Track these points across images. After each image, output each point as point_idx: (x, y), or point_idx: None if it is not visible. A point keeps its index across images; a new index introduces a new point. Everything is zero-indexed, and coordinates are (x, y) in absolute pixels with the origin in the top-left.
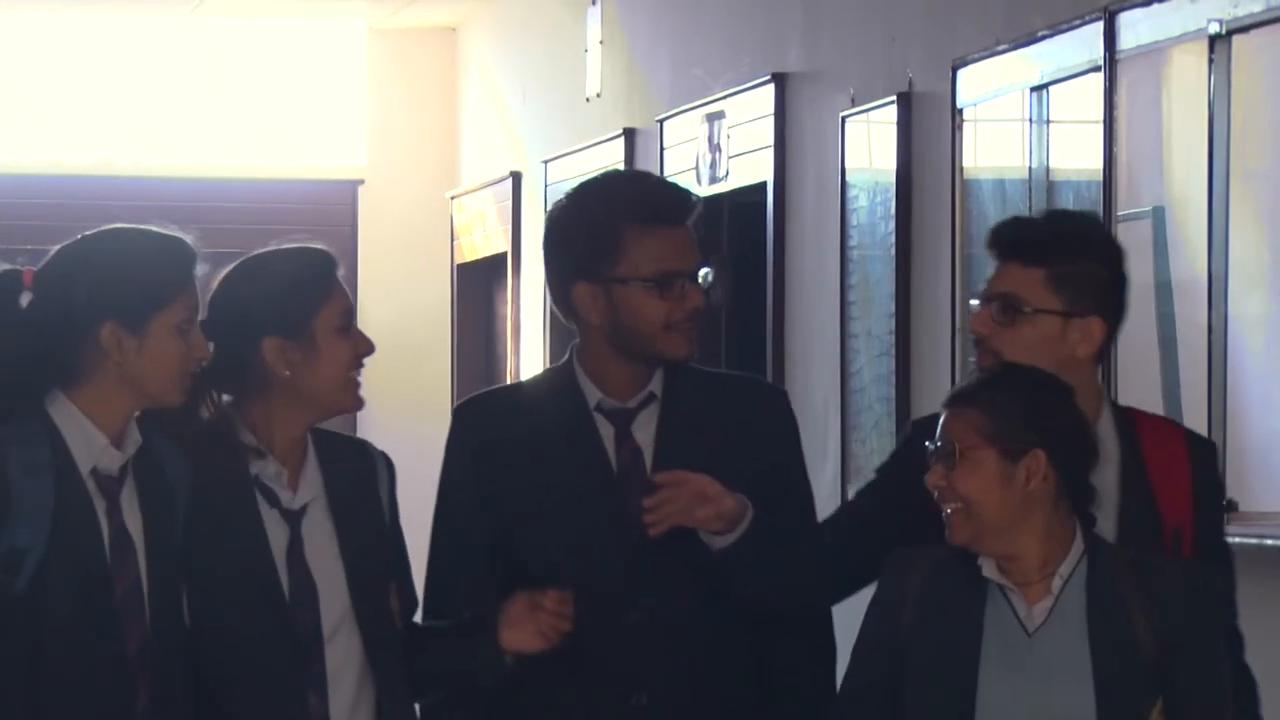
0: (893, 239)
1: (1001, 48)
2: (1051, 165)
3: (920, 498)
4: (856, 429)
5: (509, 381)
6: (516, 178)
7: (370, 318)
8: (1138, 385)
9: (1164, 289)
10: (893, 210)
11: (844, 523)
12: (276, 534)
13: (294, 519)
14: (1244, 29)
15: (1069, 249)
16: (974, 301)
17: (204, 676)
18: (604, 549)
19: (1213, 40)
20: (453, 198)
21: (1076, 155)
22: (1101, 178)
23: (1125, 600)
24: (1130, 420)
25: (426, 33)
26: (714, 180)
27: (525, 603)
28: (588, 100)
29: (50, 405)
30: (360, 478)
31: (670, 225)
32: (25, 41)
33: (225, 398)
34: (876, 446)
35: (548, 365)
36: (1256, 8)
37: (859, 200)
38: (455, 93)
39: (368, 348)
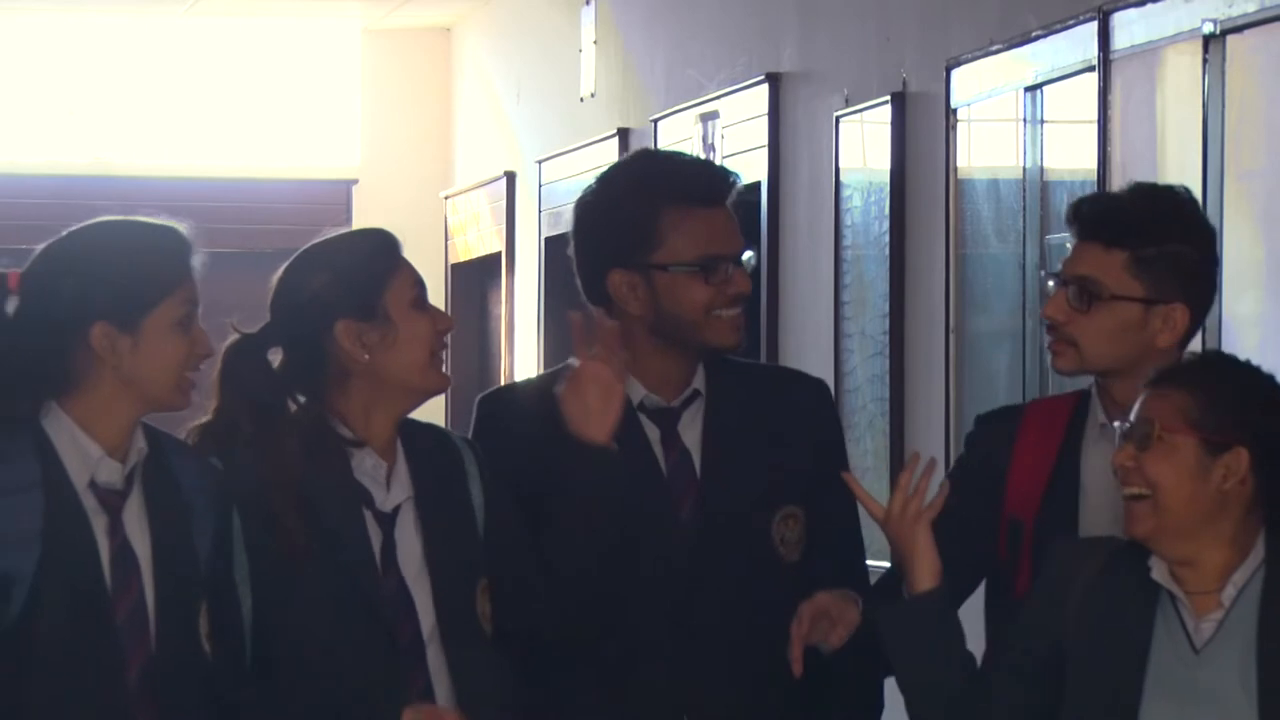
0: (887, 239)
1: (996, 48)
2: (1046, 165)
3: (990, 499)
4: (851, 429)
5: (504, 381)
6: (511, 177)
7: None
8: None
9: None
10: (887, 210)
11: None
12: (371, 539)
13: (387, 522)
14: (1238, 29)
15: (1155, 231)
16: (1050, 282)
17: (295, 694)
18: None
19: (1207, 40)
20: (447, 197)
21: (1071, 155)
22: (1096, 177)
23: None
24: None
25: (421, 33)
26: None
27: (571, 389)
28: (582, 100)
29: (44, 418)
30: (448, 473)
31: (710, 205)
32: (20, 41)
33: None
34: (870, 446)
35: (542, 365)
36: (1251, 7)
37: (853, 200)
38: (449, 93)
39: (447, 323)
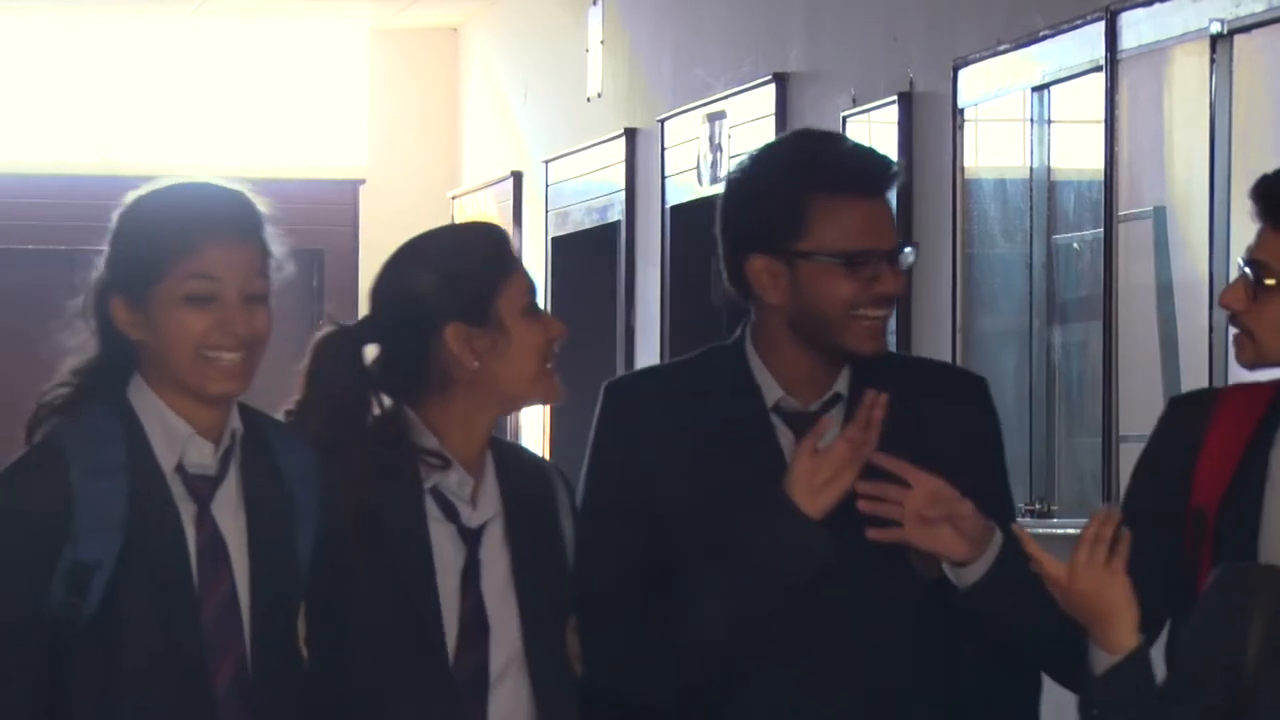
0: None
1: (1003, 48)
2: (1053, 165)
3: (1178, 488)
4: None
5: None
6: (518, 177)
7: None
8: (1138, 386)
9: (1165, 289)
10: (894, 210)
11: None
12: (449, 555)
13: (472, 539)
14: (1245, 29)
15: None
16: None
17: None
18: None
19: (1214, 40)
20: (454, 197)
21: (1078, 155)
22: (1103, 178)
23: None
24: None
25: (428, 33)
26: (715, 180)
27: (808, 448)
28: (589, 100)
29: (131, 391)
30: (541, 501)
31: (864, 196)
32: (26, 41)
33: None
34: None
35: None
36: (1258, 7)
37: None
38: (456, 92)
39: (559, 330)
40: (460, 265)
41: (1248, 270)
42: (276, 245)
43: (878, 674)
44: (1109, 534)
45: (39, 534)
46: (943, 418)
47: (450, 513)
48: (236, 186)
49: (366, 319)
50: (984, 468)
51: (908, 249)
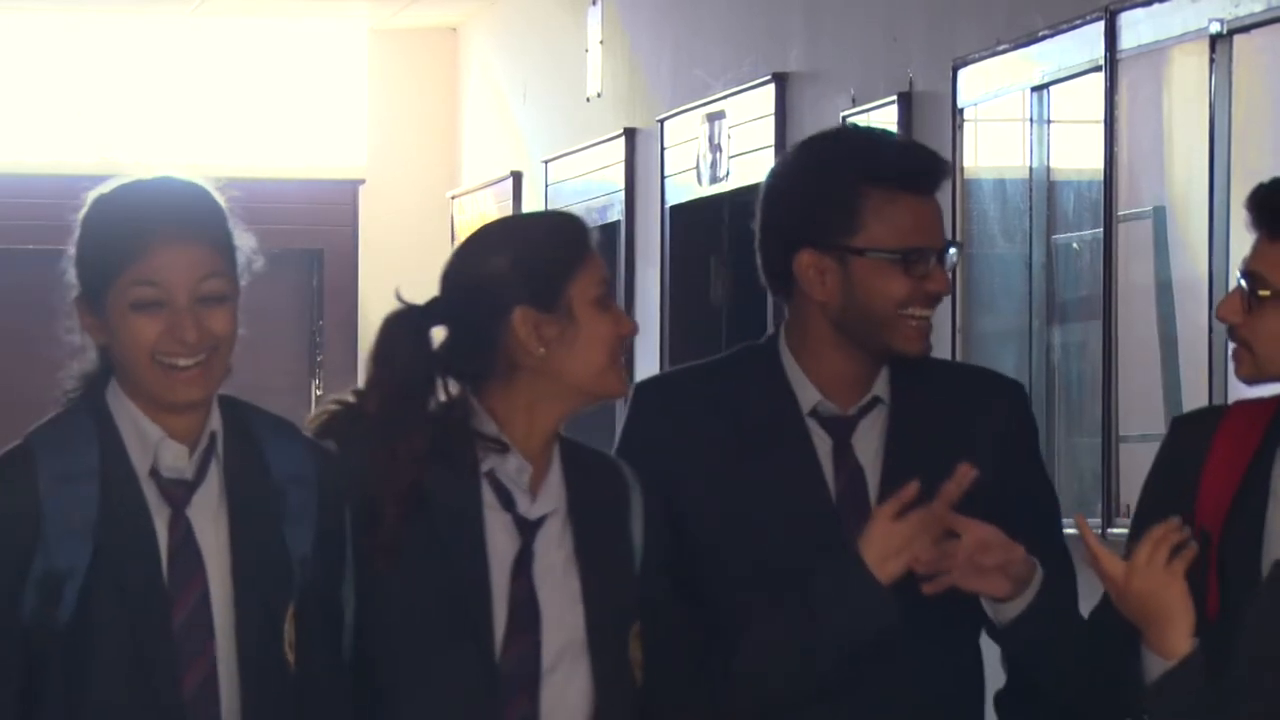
0: None
1: (1002, 48)
2: (1052, 165)
3: (1182, 508)
4: None
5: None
6: (517, 177)
7: (371, 317)
8: (1138, 385)
9: (1165, 289)
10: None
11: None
12: (502, 544)
13: (529, 529)
14: (1245, 29)
15: None
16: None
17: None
18: None
19: (1214, 40)
20: (453, 197)
21: (1077, 155)
22: (1102, 178)
23: None
24: None
25: (427, 33)
26: (714, 180)
27: (889, 513)
28: (588, 100)
29: (109, 394)
30: (611, 503)
31: (918, 193)
32: (26, 41)
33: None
34: None
35: None
36: (1258, 7)
37: None
38: (456, 92)
39: (629, 327)
40: (533, 248)
41: (1243, 282)
42: (243, 240)
43: (925, 702)
44: (1175, 538)
45: (5, 544)
46: (982, 423)
47: (506, 501)
48: (196, 182)
49: (435, 299)
50: (1024, 472)
51: (952, 249)
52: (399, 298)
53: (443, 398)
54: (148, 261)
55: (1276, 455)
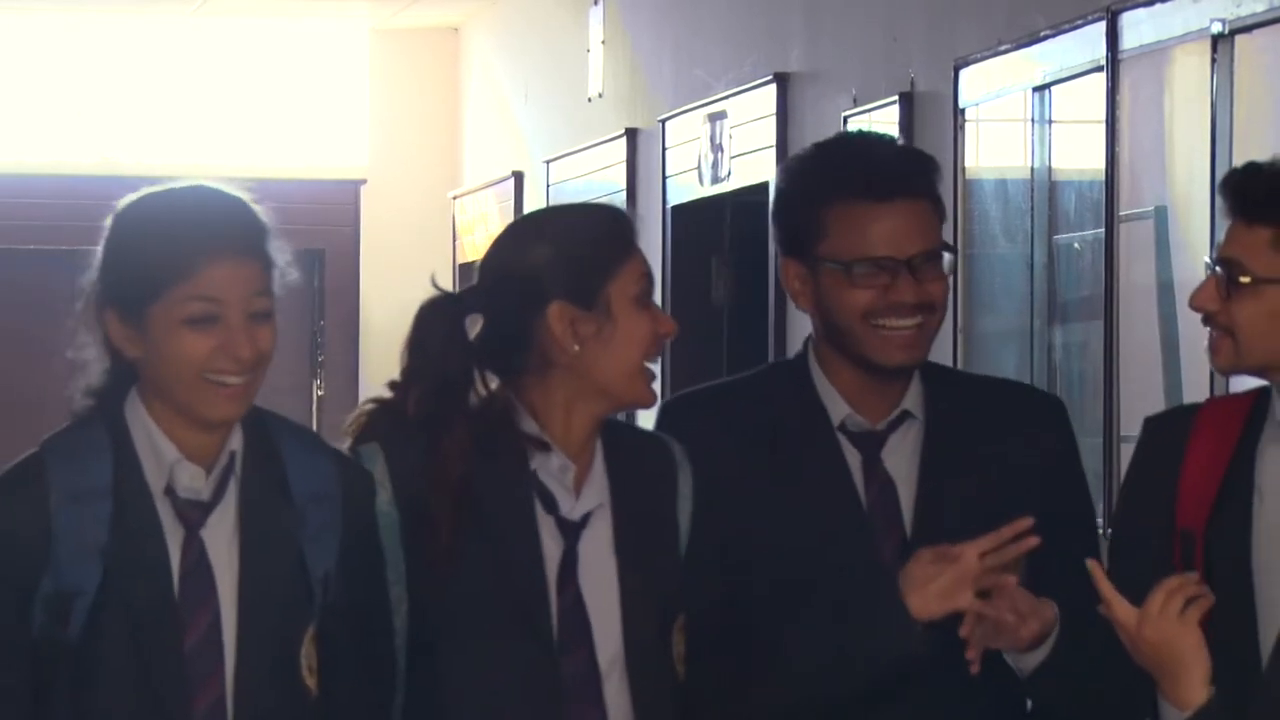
0: None
1: (1003, 48)
2: (1054, 165)
3: (1162, 512)
4: None
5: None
6: (519, 177)
7: (372, 317)
8: (1139, 386)
9: (1166, 289)
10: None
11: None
12: (548, 548)
13: (572, 531)
14: (1246, 29)
15: None
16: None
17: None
18: None
19: (1215, 40)
20: (455, 197)
21: (1079, 155)
22: (1104, 178)
23: None
24: None
25: (429, 32)
26: (716, 180)
27: (931, 558)
28: (590, 100)
29: (127, 407)
30: (657, 488)
31: (878, 200)
32: (27, 41)
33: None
34: None
35: None
36: (1259, 7)
37: None
38: (457, 92)
39: (669, 327)
40: (573, 242)
41: (1218, 269)
42: (280, 255)
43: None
44: (1190, 591)
45: (14, 561)
46: (1020, 440)
47: (548, 503)
48: (237, 194)
49: (471, 287)
50: (1063, 492)
51: (947, 255)
52: (434, 284)
53: (482, 392)
54: (203, 277)
55: (1259, 451)
